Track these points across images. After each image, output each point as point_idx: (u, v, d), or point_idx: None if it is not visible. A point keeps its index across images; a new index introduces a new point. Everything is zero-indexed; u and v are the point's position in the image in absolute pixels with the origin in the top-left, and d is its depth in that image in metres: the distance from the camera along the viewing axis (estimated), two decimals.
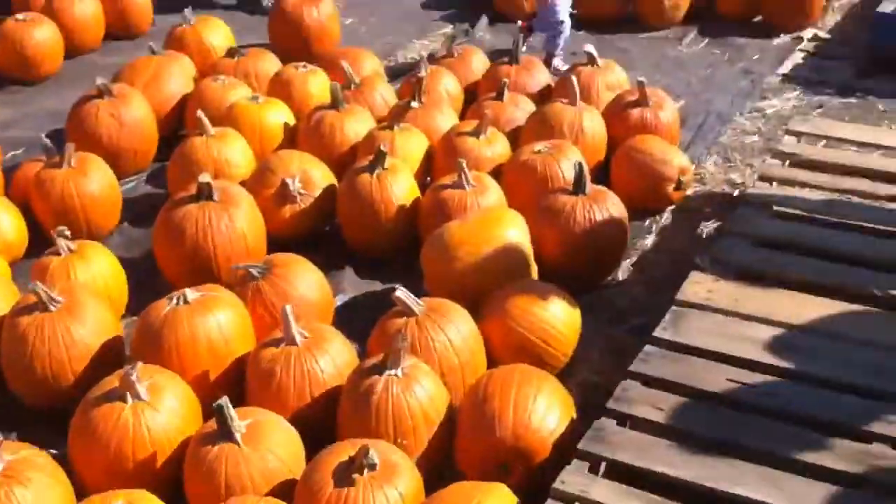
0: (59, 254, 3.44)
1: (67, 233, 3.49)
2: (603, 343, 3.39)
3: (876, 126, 4.77)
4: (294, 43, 5.57)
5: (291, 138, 4.35)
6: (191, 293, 3.07)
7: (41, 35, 5.54)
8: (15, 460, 2.55)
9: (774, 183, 3.90)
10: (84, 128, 4.37)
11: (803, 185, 3.88)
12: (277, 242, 3.77)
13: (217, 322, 3.01)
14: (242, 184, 3.87)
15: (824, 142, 4.34)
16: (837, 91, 5.27)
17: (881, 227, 3.59)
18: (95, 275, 3.44)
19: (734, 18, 6.14)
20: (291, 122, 4.40)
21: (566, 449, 2.67)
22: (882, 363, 2.88)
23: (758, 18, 6.19)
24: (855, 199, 3.76)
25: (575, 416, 2.79)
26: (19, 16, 5.62)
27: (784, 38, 5.99)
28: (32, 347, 3.03)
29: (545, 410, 2.70)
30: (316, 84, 4.65)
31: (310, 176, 3.89)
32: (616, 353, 3.30)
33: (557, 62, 5.60)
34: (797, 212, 3.71)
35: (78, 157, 3.98)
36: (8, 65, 5.58)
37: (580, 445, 2.65)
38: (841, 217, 3.66)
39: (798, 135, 4.23)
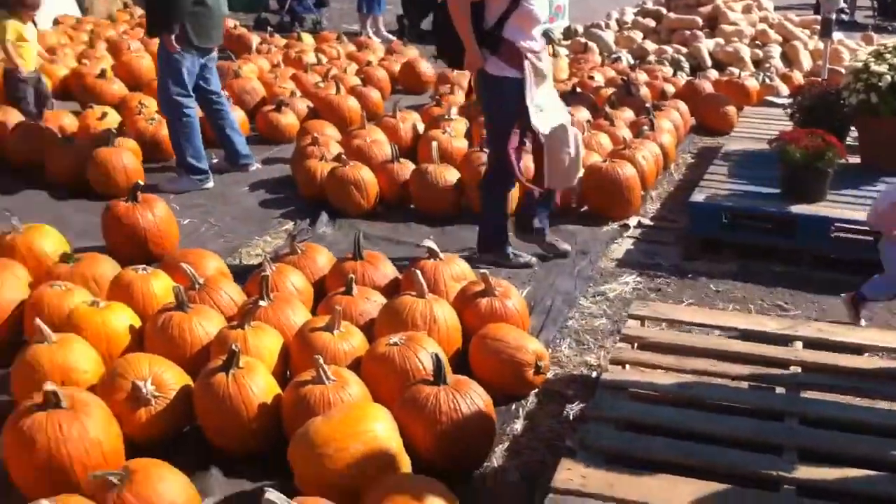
0: None
1: None
2: None
3: (712, 307, 5.03)
4: (131, 247, 5.45)
5: (138, 341, 4.17)
6: None
7: None
8: None
9: (627, 365, 4.01)
10: None
11: (654, 366, 4.00)
12: (137, 446, 3.56)
13: None
14: (92, 389, 3.66)
15: (664, 325, 4.52)
16: (670, 273, 5.54)
17: (732, 405, 3.72)
18: None
19: (563, 209, 6.45)
20: (137, 324, 4.23)
21: None
22: None
23: (585, 208, 6.54)
24: (703, 378, 3.90)
25: None
26: None
27: (612, 226, 6.32)
28: None
29: None
30: (158, 286, 4.51)
31: (162, 378, 3.72)
32: None
33: None
34: (652, 393, 3.81)
35: None
36: None
37: None
38: (693, 396, 3.77)
39: (640, 318, 4.39)
